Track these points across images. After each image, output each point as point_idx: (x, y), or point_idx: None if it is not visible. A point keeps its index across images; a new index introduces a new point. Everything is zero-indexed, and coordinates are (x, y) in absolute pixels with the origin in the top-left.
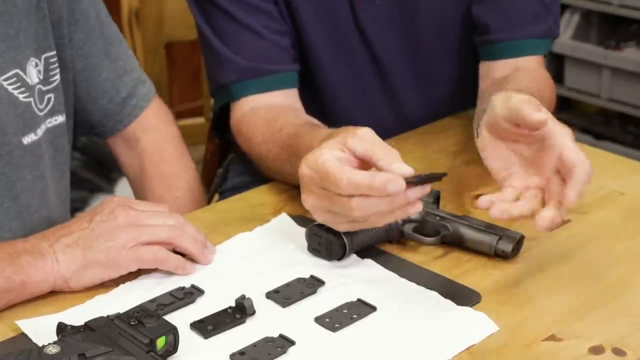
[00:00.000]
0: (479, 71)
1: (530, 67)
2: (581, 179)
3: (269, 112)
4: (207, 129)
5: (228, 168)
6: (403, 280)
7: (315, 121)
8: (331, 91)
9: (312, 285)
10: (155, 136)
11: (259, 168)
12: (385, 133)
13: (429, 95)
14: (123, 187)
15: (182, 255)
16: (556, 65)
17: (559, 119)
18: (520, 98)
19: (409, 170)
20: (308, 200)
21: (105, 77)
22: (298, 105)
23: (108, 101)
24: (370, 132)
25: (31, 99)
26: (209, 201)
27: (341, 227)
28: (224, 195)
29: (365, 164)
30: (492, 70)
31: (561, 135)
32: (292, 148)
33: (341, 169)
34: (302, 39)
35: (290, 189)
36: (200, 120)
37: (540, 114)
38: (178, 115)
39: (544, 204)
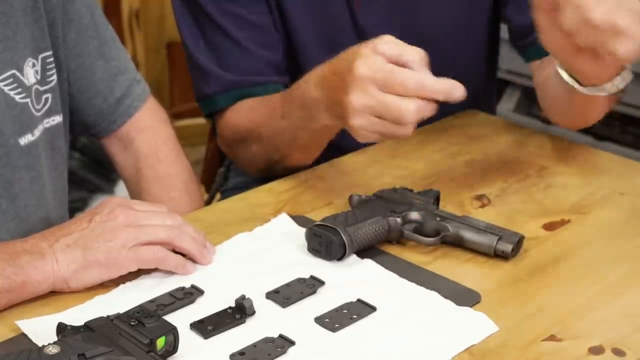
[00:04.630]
0: (481, 81)
1: None
2: None
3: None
4: (207, 130)
5: (229, 167)
6: (403, 280)
7: None
8: None
9: (312, 285)
10: (150, 136)
11: (249, 154)
12: None
13: None
14: (123, 187)
15: (182, 255)
16: None
17: None
18: None
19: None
20: (359, 100)
21: (99, 77)
22: None
23: (102, 101)
24: (392, 37)
25: (28, 100)
26: (210, 200)
27: (368, 137)
28: (225, 194)
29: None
30: (543, 66)
31: None
32: (286, 97)
33: (407, 69)
34: (295, 46)
35: (291, 188)
36: (200, 120)
37: None
38: (178, 116)
39: None
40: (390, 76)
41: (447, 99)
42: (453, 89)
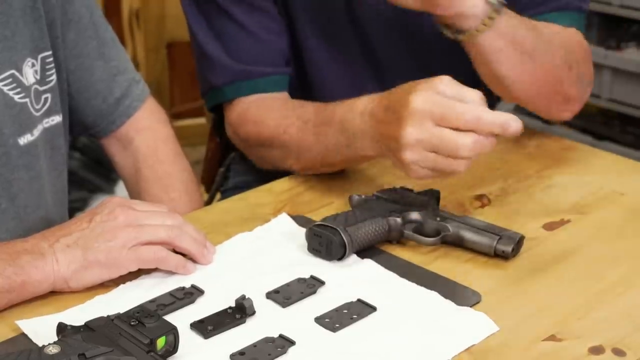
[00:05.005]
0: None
1: None
2: None
3: (282, 96)
4: (208, 129)
5: (229, 167)
6: (403, 280)
7: None
8: (327, 92)
9: (312, 285)
10: (149, 137)
11: (269, 152)
12: None
13: None
14: (123, 187)
15: (183, 255)
16: None
17: None
18: None
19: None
20: (414, 134)
21: (98, 78)
22: None
23: (101, 101)
24: (451, 78)
25: (27, 100)
26: (210, 200)
27: (420, 172)
28: (225, 194)
29: None
30: None
31: None
32: (324, 114)
33: (464, 103)
34: (297, 39)
35: (291, 188)
36: (200, 120)
37: None
38: (178, 116)
39: None
40: (447, 109)
41: (504, 133)
42: (510, 121)
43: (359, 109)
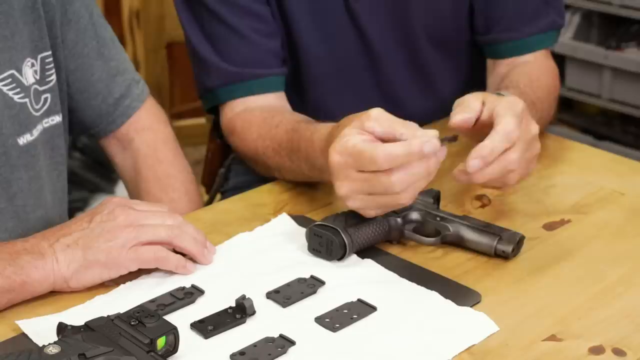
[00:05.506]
0: (476, 66)
1: (528, 60)
2: (495, 137)
3: (264, 110)
4: (208, 129)
5: (230, 168)
6: (403, 280)
7: (311, 120)
8: (322, 88)
9: (312, 285)
10: (149, 137)
11: (255, 165)
12: None
13: (426, 90)
14: (123, 187)
15: (183, 255)
16: (557, 65)
17: (559, 119)
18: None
19: (434, 132)
20: (343, 187)
21: (98, 78)
22: (287, 106)
23: (101, 101)
24: (382, 111)
25: (26, 100)
26: (210, 201)
27: (371, 213)
28: (225, 194)
29: (386, 143)
30: (497, 66)
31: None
32: (292, 143)
33: (374, 145)
34: (292, 36)
35: (291, 188)
36: (200, 120)
37: (458, 115)
38: (179, 116)
39: None
40: (359, 159)
41: (423, 157)
42: (425, 145)
43: (319, 147)
